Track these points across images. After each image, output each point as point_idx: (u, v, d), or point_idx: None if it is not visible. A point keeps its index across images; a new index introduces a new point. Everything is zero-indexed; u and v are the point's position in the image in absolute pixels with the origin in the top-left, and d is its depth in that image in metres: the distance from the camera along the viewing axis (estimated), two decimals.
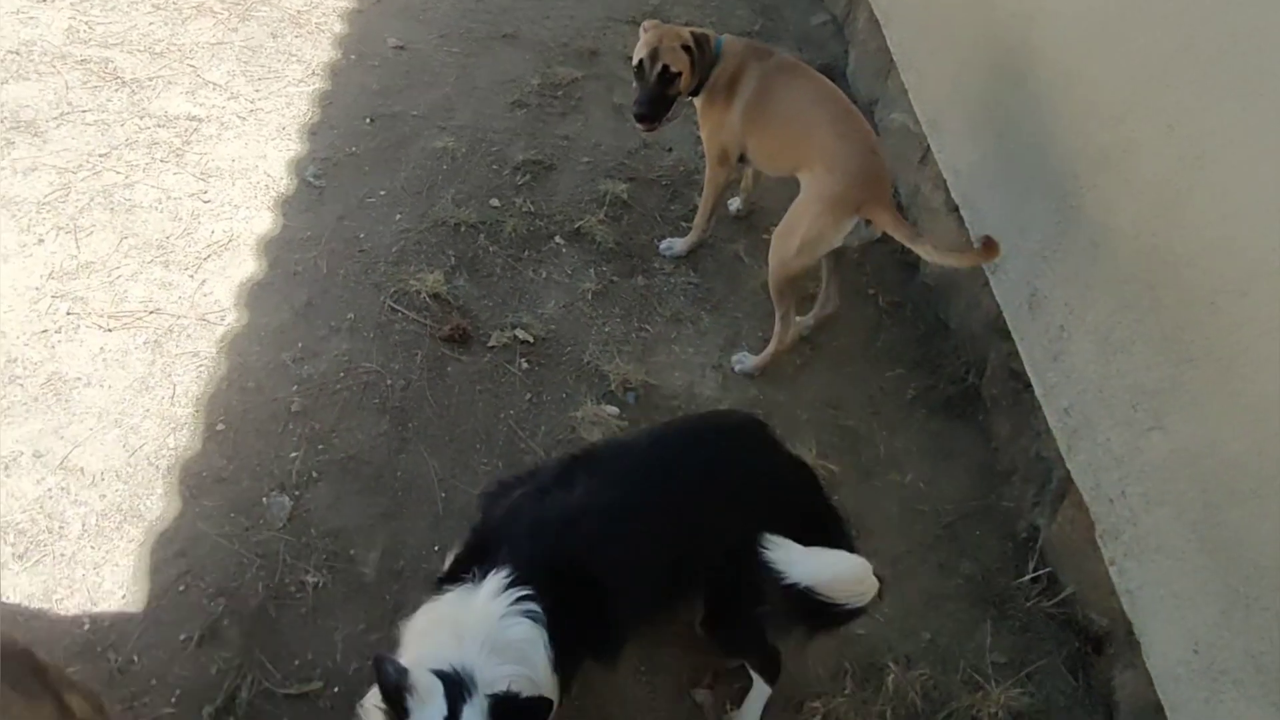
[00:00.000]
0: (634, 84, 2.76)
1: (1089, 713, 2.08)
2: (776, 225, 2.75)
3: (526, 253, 2.99)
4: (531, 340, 2.71)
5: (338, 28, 3.79)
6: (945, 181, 2.90)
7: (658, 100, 2.66)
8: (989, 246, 2.19)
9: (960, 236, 2.78)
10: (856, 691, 2.04)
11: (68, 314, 2.57)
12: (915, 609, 2.24)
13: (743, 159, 2.82)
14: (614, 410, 2.56)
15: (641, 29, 2.69)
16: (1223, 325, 1.71)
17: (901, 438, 2.62)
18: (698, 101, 2.79)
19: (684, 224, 3.16)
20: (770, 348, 2.67)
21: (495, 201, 3.14)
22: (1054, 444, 2.24)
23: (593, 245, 3.04)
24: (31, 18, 3.50)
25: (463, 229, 2.99)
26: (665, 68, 2.60)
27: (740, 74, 2.67)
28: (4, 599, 2.02)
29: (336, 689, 1.97)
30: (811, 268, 2.60)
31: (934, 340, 2.91)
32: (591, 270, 2.97)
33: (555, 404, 2.58)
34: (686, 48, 2.60)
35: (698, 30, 2.66)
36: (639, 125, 2.76)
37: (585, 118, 3.58)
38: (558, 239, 3.05)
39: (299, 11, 3.83)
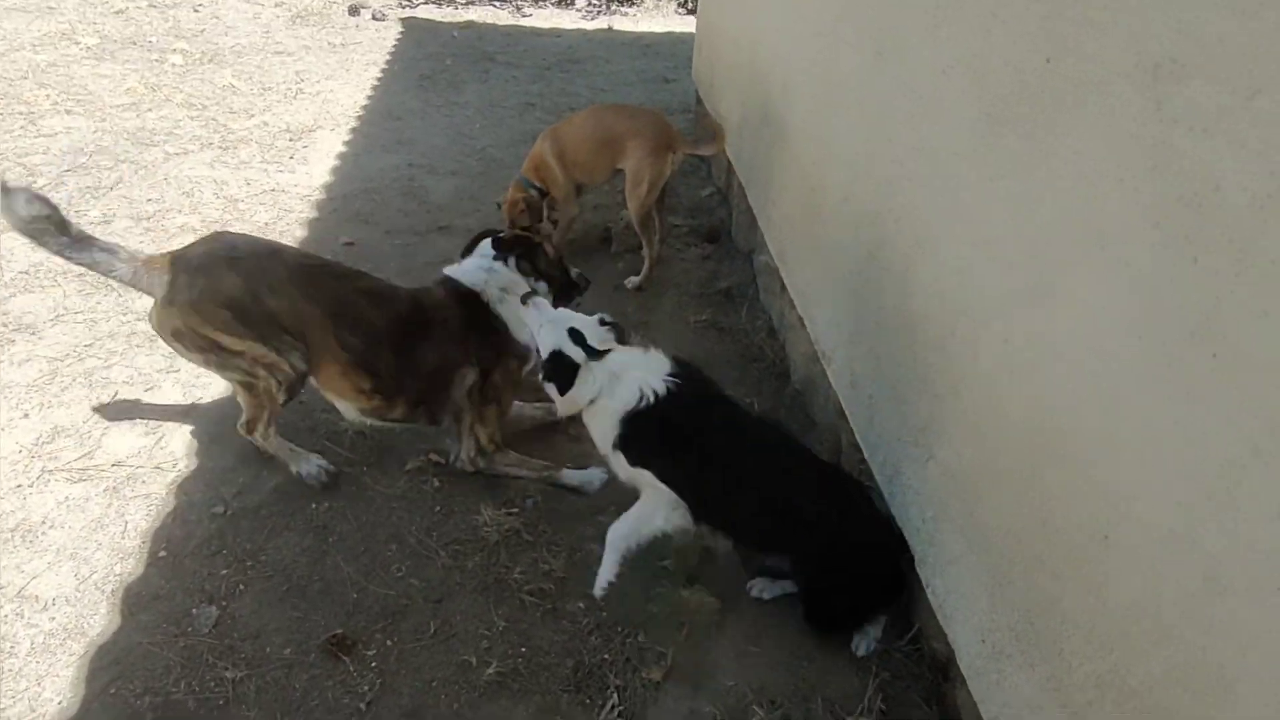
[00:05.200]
0: None
1: None
2: None
3: None
4: (444, 461, 3.10)
5: (298, 233, 4.52)
6: (795, 302, 3.43)
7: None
8: (718, 134, 4.24)
9: (809, 345, 3.26)
10: None
11: (41, 471, 2.99)
12: (781, 658, 2.45)
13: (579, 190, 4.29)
14: (514, 513, 2.89)
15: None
16: (949, 362, 2.12)
17: None
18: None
19: None
20: (647, 263, 4.15)
21: None
22: None
23: None
24: None
25: None
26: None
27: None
28: None
29: None
30: (655, 200, 4.09)
31: (808, 436, 3.29)
32: None
33: (462, 512, 2.92)
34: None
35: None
36: None
37: None
38: None
39: (267, 223, 4.58)
